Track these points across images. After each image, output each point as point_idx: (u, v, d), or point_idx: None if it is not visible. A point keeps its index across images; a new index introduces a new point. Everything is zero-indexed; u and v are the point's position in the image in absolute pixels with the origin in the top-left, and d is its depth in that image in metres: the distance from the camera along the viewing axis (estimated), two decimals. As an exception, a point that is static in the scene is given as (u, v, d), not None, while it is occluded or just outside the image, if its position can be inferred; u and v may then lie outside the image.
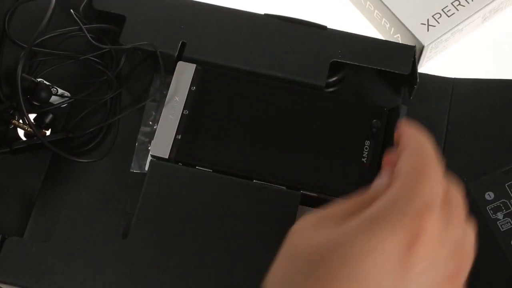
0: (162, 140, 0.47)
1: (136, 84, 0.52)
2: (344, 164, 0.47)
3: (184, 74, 0.49)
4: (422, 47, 0.58)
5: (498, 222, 0.42)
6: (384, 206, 0.31)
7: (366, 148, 0.47)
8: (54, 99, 0.50)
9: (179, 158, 0.46)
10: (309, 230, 0.33)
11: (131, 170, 0.49)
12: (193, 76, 0.48)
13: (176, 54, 0.49)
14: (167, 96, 0.48)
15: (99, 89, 0.51)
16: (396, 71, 0.50)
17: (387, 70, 0.50)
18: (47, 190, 0.49)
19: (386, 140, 0.48)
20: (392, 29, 0.60)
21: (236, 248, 0.43)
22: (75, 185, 0.49)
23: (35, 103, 0.50)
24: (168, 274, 0.43)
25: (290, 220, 0.44)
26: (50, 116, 0.50)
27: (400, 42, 0.60)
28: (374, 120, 0.48)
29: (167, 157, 0.46)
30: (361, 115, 0.49)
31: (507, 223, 0.42)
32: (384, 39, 0.56)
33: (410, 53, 0.51)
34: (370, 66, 0.50)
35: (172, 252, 0.43)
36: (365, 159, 0.47)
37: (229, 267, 0.43)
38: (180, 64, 0.49)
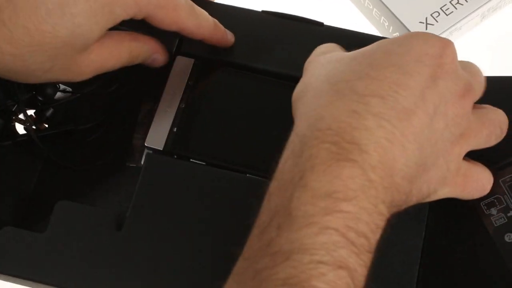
0: (158, 132, 0.47)
1: (137, 79, 0.52)
2: None
3: (182, 69, 0.49)
4: (421, 46, 0.58)
5: (491, 218, 0.42)
6: (413, 32, 0.40)
7: None
8: (58, 94, 0.50)
9: (174, 150, 0.46)
10: (336, 51, 0.42)
11: (128, 164, 0.49)
12: (190, 71, 0.49)
13: (174, 50, 0.49)
14: (165, 90, 0.48)
15: (102, 84, 0.51)
16: None
17: None
18: (43, 182, 0.49)
19: None
20: (391, 27, 0.60)
21: (229, 241, 0.44)
22: (71, 177, 0.49)
23: (40, 98, 0.50)
24: (161, 265, 0.43)
25: None
26: (51, 110, 0.50)
27: (399, 40, 0.60)
28: None
29: (161, 149, 0.46)
30: None
31: (501, 218, 0.42)
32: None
33: None
34: None
35: (166, 244, 0.43)
36: None
37: (222, 260, 0.43)
38: (179, 59, 0.49)
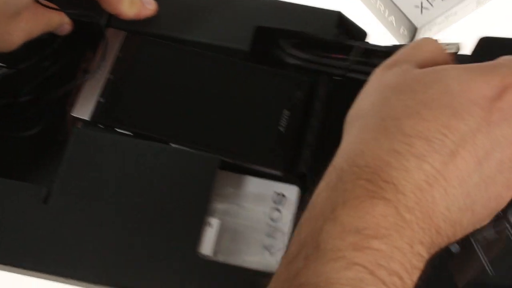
0: (85, 102, 0.48)
1: (75, 55, 0.52)
2: (261, 131, 0.48)
3: (113, 40, 0.50)
4: (416, 29, 0.58)
5: None
6: (477, 64, 0.37)
7: (285, 118, 0.48)
8: None
9: (100, 120, 0.47)
10: (405, 63, 0.39)
11: (59, 138, 0.49)
12: (121, 43, 0.50)
13: (105, 23, 0.50)
14: (94, 62, 0.49)
15: (41, 60, 0.51)
16: (318, 35, 0.50)
17: (310, 34, 0.50)
18: None
19: (306, 111, 0.48)
20: (387, 11, 0.60)
21: (154, 210, 0.44)
22: (3, 152, 0.49)
23: None
24: (87, 238, 0.43)
25: (208, 183, 0.45)
26: None
27: (394, 24, 0.60)
28: (297, 92, 0.48)
29: (88, 119, 0.47)
30: (283, 85, 0.49)
31: None
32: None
33: (333, 18, 0.51)
34: (293, 30, 0.50)
35: (91, 216, 0.44)
36: (282, 128, 0.47)
37: (148, 229, 0.44)
38: (110, 31, 0.50)
